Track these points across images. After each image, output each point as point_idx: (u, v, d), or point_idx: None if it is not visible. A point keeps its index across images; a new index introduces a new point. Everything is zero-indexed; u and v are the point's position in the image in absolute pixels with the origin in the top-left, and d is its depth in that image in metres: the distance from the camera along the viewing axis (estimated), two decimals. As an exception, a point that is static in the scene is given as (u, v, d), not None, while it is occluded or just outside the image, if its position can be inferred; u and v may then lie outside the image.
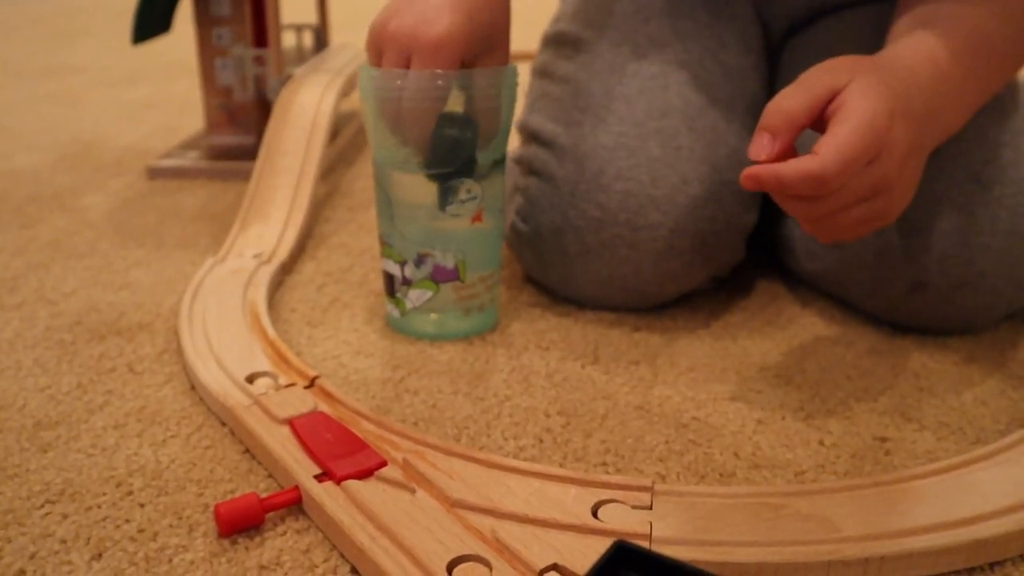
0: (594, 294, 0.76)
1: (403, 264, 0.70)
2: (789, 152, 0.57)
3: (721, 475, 0.55)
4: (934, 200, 0.67)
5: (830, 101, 0.57)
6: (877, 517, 0.48)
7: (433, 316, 0.71)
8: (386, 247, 0.71)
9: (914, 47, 0.61)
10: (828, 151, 0.53)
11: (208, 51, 1.19)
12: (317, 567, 0.47)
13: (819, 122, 0.57)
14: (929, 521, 0.48)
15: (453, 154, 0.65)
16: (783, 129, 0.56)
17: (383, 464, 0.52)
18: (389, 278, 0.72)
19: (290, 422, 0.56)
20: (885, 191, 0.57)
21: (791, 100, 0.56)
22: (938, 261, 0.68)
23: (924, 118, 0.59)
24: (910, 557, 0.46)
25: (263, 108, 1.22)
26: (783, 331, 0.74)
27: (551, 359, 0.69)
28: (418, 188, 0.67)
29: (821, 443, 0.58)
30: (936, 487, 0.51)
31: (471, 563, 0.45)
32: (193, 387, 0.64)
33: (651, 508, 0.48)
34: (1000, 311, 0.71)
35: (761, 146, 0.56)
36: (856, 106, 0.55)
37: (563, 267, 0.75)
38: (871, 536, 0.47)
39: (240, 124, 1.22)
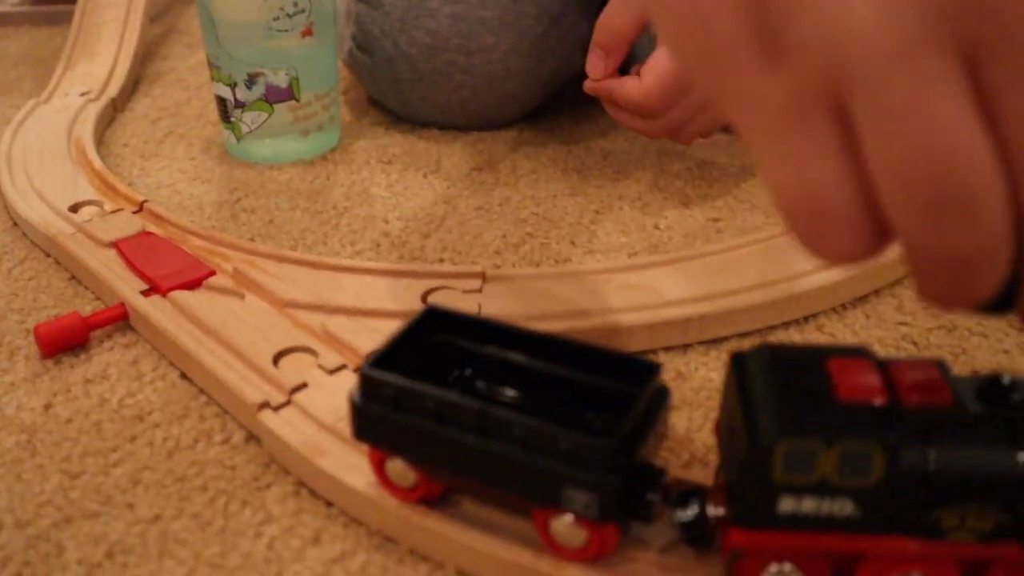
0: (435, 119, 0.74)
1: (234, 86, 0.67)
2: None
3: (556, 262, 0.56)
4: None
5: None
6: (701, 283, 0.49)
7: (269, 140, 0.69)
8: (215, 70, 0.67)
9: None
10: (649, 78, 0.57)
11: None
12: (145, 375, 0.46)
13: None
14: (749, 283, 0.49)
15: None
16: (615, 48, 0.59)
17: (211, 274, 0.51)
18: (222, 102, 0.69)
19: (116, 244, 0.54)
20: None
21: (620, 17, 0.59)
22: None
23: None
24: (731, 314, 0.48)
25: (87, -53, 1.13)
26: (624, 129, 0.73)
27: (392, 172, 0.68)
28: (243, 5, 0.64)
29: (656, 227, 0.59)
30: (757, 254, 0.52)
31: (297, 354, 0.45)
32: (15, 224, 0.61)
33: (481, 292, 0.49)
34: None
35: (596, 64, 0.60)
36: None
37: (399, 94, 0.73)
38: (693, 299, 0.48)
39: (64, -34, 1.13)
